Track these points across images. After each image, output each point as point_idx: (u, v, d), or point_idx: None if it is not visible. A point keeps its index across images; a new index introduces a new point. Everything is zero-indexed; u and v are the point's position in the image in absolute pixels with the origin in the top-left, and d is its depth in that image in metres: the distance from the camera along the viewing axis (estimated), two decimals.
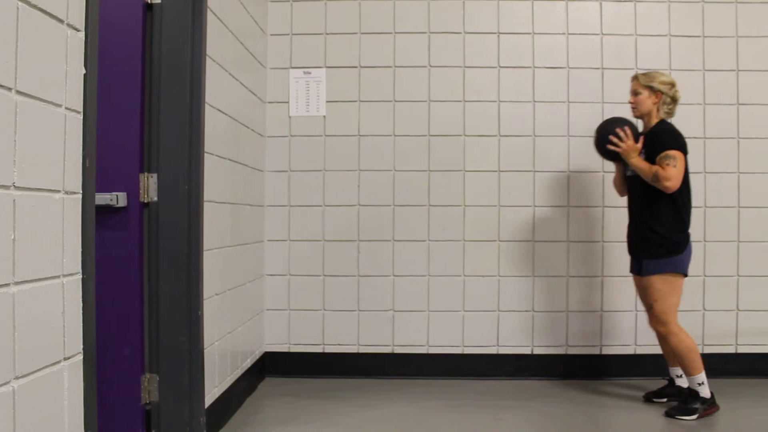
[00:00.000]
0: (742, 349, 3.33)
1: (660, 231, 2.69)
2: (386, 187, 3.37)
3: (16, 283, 1.14)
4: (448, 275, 3.36)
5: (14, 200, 1.13)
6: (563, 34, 3.38)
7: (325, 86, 3.38)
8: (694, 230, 3.33)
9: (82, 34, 1.37)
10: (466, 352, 3.36)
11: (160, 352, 2.17)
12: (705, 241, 3.34)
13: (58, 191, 1.28)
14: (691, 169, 3.33)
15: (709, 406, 2.67)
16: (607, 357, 3.32)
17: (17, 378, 1.14)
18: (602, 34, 3.38)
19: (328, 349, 3.37)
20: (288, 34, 3.39)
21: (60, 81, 1.29)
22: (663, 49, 3.36)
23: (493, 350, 3.36)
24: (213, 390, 2.45)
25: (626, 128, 2.75)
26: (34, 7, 1.19)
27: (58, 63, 1.28)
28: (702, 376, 2.68)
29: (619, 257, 3.34)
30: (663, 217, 2.69)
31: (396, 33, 3.38)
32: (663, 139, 2.68)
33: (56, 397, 1.27)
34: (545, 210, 3.36)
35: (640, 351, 3.30)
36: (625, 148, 2.73)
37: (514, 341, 3.35)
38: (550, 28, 3.38)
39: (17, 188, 1.14)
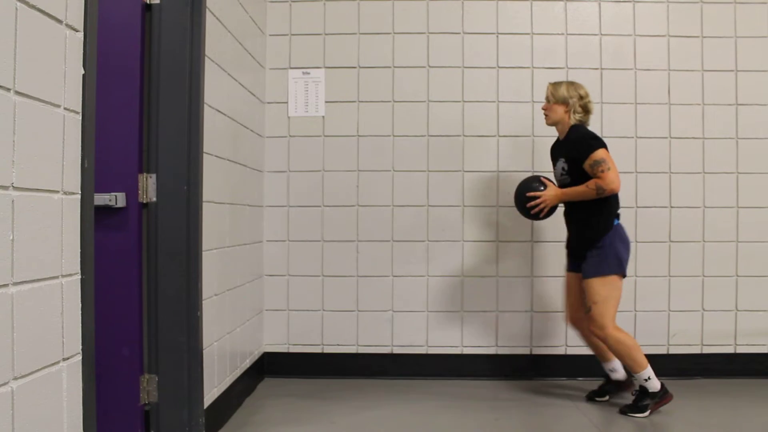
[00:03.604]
0: (741, 350, 3.34)
1: (592, 234, 2.73)
2: (385, 187, 3.37)
3: (15, 284, 1.14)
4: (447, 275, 3.36)
5: (13, 201, 1.13)
6: (562, 34, 3.39)
7: (324, 86, 3.38)
8: (693, 231, 3.36)
9: (80, 35, 1.37)
10: (465, 352, 3.36)
11: (159, 353, 2.17)
12: (704, 241, 3.34)
13: (57, 192, 1.28)
14: (690, 169, 3.37)
15: (661, 398, 2.68)
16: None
17: (16, 378, 1.13)
18: (601, 34, 3.38)
19: (327, 350, 3.37)
20: (287, 35, 3.39)
21: (59, 81, 1.29)
22: (662, 49, 3.36)
23: (492, 351, 3.36)
24: (212, 390, 2.45)
25: (537, 185, 2.83)
26: (33, 7, 1.19)
27: (56, 63, 1.28)
28: (647, 371, 2.67)
29: None
30: (593, 220, 2.72)
31: (395, 33, 3.38)
32: (583, 144, 2.72)
33: (55, 397, 1.27)
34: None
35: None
36: (545, 200, 2.79)
37: (514, 342, 3.35)
38: (548, 29, 3.39)
39: (16, 189, 1.14)
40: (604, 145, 2.71)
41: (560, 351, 3.34)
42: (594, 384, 3.13)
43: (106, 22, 1.80)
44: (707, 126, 3.36)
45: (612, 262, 2.68)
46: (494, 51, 3.38)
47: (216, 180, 2.49)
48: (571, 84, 2.84)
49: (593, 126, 3.37)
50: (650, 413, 2.68)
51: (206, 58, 2.32)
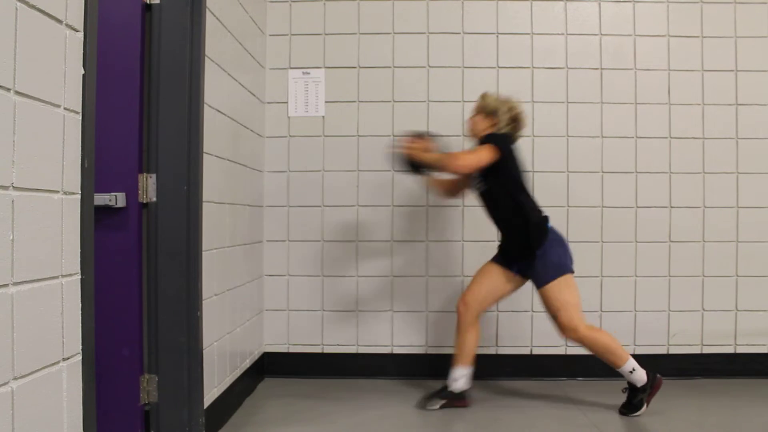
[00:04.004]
0: (741, 350, 3.34)
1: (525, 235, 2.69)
2: (385, 187, 3.37)
3: (15, 284, 1.14)
4: (447, 276, 3.36)
5: (13, 201, 1.13)
6: (562, 34, 3.39)
7: (324, 86, 3.38)
8: (693, 231, 3.36)
9: (80, 35, 1.37)
10: None
11: (159, 353, 2.17)
12: (704, 241, 3.34)
13: (57, 192, 1.28)
14: (690, 169, 3.37)
15: (651, 387, 2.67)
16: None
17: (16, 379, 1.13)
18: (601, 34, 3.38)
19: (327, 350, 3.37)
20: (287, 35, 3.39)
21: (59, 81, 1.29)
22: (662, 49, 3.37)
23: (492, 351, 3.36)
24: (212, 390, 2.45)
25: (424, 135, 2.78)
26: (33, 7, 1.19)
27: (56, 63, 1.28)
28: (630, 363, 2.65)
29: (621, 257, 3.34)
30: (528, 231, 2.69)
31: (395, 33, 3.38)
32: (486, 137, 2.69)
33: (55, 397, 1.27)
34: (544, 211, 3.35)
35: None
36: (411, 148, 2.69)
37: (514, 342, 3.35)
38: (548, 29, 3.39)
39: (16, 188, 1.14)
40: (496, 142, 2.63)
41: (560, 351, 3.34)
42: (594, 384, 3.13)
43: (106, 22, 1.80)
44: (707, 126, 3.36)
45: (555, 266, 2.67)
46: (494, 51, 3.38)
47: (216, 180, 2.49)
48: (501, 97, 2.82)
49: (594, 125, 3.38)
50: (647, 406, 2.68)
51: (206, 58, 2.32)
